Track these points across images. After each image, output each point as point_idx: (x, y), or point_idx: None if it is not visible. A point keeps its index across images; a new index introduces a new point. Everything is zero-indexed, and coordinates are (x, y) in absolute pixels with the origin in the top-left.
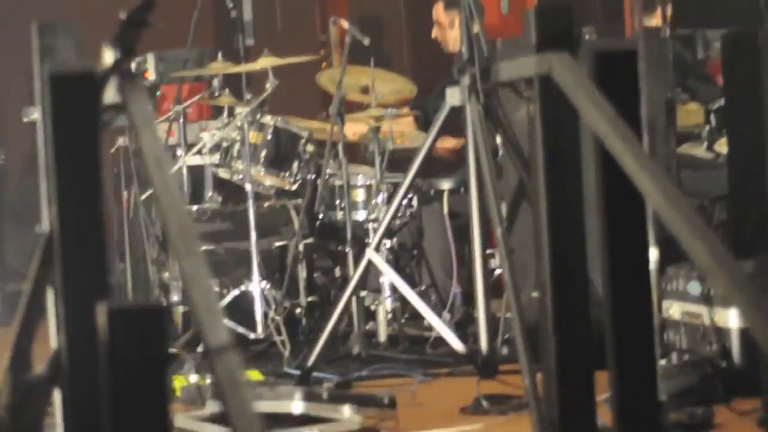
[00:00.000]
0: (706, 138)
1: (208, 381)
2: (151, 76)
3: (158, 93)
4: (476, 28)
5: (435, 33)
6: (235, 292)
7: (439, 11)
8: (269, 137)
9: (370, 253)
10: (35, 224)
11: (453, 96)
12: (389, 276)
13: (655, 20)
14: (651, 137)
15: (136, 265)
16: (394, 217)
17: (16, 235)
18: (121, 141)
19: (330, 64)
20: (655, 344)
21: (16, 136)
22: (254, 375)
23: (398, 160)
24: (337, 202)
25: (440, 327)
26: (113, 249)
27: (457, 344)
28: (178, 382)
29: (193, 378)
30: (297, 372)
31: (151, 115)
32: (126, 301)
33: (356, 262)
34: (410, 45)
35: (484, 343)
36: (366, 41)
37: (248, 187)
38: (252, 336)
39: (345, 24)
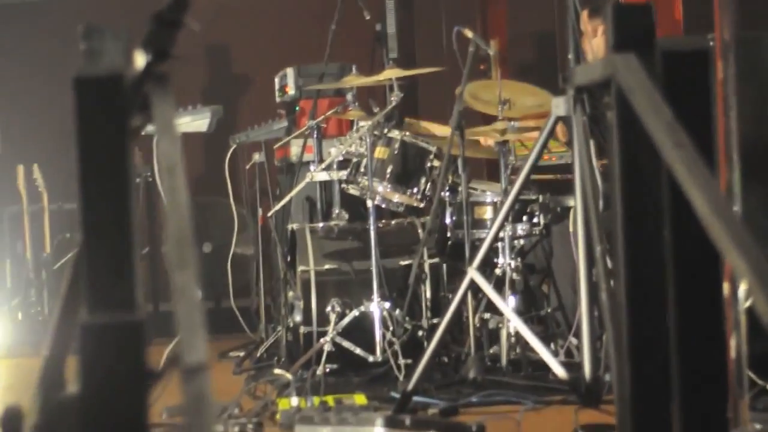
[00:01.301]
0: None
1: (309, 404)
2: (290, 90)
3: (297, 108)
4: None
5: (583, 43)
6: (355, 313)
7: (584, 19)
8: (396, 152)
9: (471, 273)
10: (202, 244)
11: (558, 106)
12: (491, 296)
13: None
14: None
15: (268, 283)
16: (496, 235)
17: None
18: (257, 157)
19: (489, 77)
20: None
21: None
22: (359, 399)
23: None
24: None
25: (543, 352)
26: (251, 265)
27: (560, 371)
28: (281, 405)
29: (294, 401)
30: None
31: (174, 121)
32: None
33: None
34: (563, 59)
35: (587, 370)
36: (491, 51)
37: (369, 203)
38: (371, 359)
39: (469, 33)
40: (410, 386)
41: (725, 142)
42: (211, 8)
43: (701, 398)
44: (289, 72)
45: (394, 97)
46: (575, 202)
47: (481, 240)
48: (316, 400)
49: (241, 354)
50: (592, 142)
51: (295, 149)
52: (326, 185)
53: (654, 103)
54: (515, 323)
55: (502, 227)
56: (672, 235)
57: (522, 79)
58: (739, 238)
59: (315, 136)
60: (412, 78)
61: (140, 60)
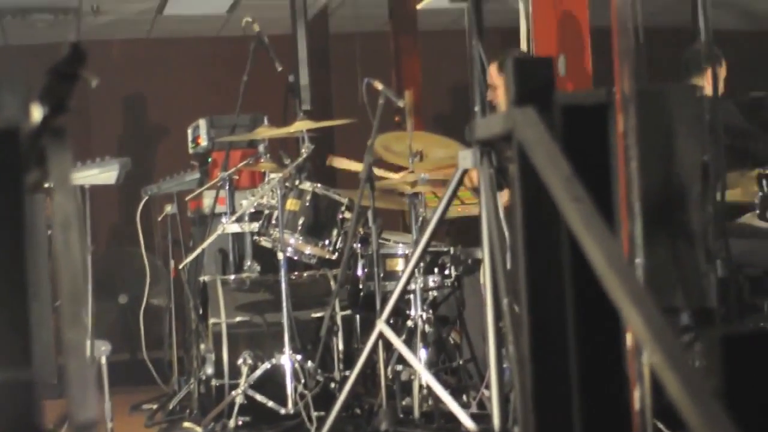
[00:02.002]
0: (759, 205)
1: None
2: (203, 142)
3: (210, 159)
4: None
5: (489, 95)
6: (267, 365)
7: (492, 73)
8: (307, 204)
9: (380, 325)
10: (118, 294)
11: (465, 158)
12: (400, 349)
13: (703, 80)
14: (683, 202)
15: (181, 334)
16: (405, 287)
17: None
18: (169, 208)
19: (403, 129)
20: None
21: None
22: None
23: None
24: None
25: (453, 405)
26: (164, 317)
27: (469, 423)
28: None
29: None
30: None
31: (70, 176)
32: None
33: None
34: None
35: (497, 422)
36: (401, 103)
37: (280, 255)
38: (283, 411)
39: (379, 85)
40: None
41: (627, 194)
42: (125, 60)
43: None
44: (202, 123)
45: (305, 149)
46: (483, 252)
47: (393, 292)
48: None
49: (154, 406)
50: (498, 194)
51: (207, 201)
52: (238, 237)
53: (552, 157)
54: (425, 376)
55: (411, 279)
56: (573, 289)
57: (437, 130)
58: (633, 293)
59: (227, 187)
60: (327, 129)
61: (37, 113)
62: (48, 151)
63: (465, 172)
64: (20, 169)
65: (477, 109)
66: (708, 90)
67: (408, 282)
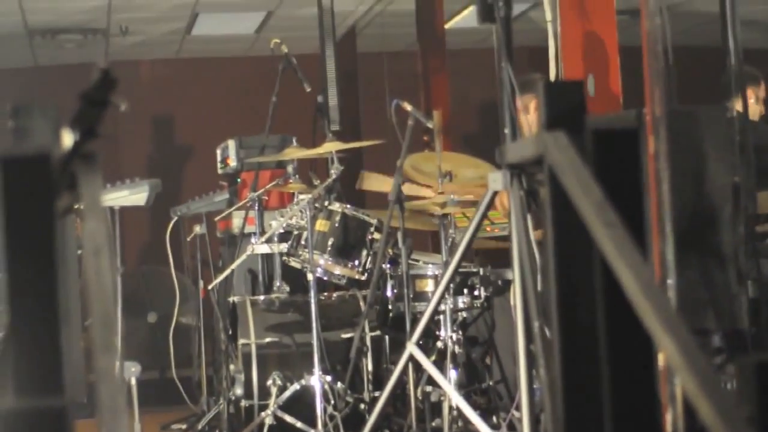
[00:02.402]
0: None
1: None
2: (232, 162)
3: (239, 180)
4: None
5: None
6: (296, 386)
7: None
8: (337, 225)
9: (410, 347)
10: (148, 313)
11: (495, 181)
12: (430, 371)
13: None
14: (715, 223)
15: (210, 354)
16: (436, 308)
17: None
18: (198, 229)
19: (432, 148)
20: None
21: None
22: None
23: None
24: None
25: (481, 426)
26: (193, 336)
27: None
28: None
29: None
30: None
31: (101, 202)
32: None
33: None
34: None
35: None
36: (430, 124)
37: (310, 276)
38: None
39: (408, 106)
40: None
41: (658, 215)
42: (153, 80)
43: None
44: (231, 144)
45: (334, 170)
46: (513, 276)
47: (422, 313)
48: None
49: (183, 427)
50: (529, 216)
51: (237, 221)
52: (268, 258)
53: (583, 182)
54: (454, 398)
55: (441, 300)
56: (604, 312)
57: (466, 150)
58: (666, 319)
59: (256, 208)
60: (356, 149)
61: (68, 139)
62: (79, 176)
63: (495, 194)
64: (52, 194)
65: (507, 131)
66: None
67: (438, 304)
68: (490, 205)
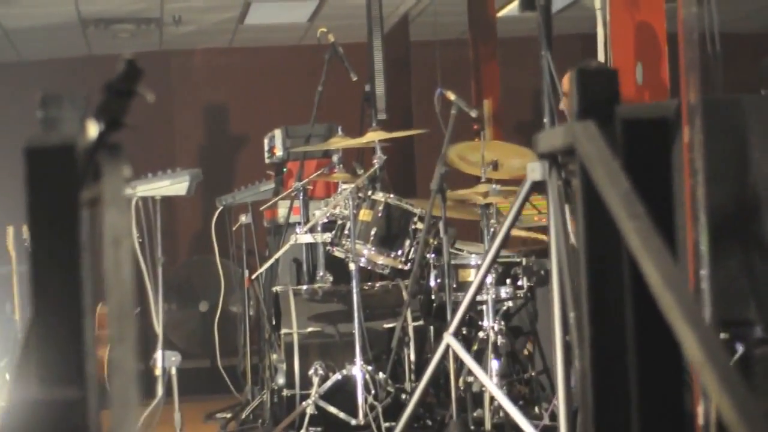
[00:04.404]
0: None
1: None
2: (278, 152)
3: (285, 169)
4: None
5: (562, 104)
6: (338, 376)
7: (565, 82)
8: (380, 215)
9: (447, 338)
10: (199, 302)
11: (534, 170)
12: (467, 362)
13: None
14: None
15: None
16: (473, 299)
17: (176, 314)
18: (244, 218)
19: (483, 138)
20: None
21: None
22: None
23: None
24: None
25: (518, 417)
26: (239, 326)
27: None
28: None
29: None
30: None
31: (122, 193)
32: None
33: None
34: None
35: None
36: (473, 113)
37: (352, 266)
38: (353, 422)
39: (451, 95)
40: None
41: (692, 205)
42: (206, 69)
43: None
44: (277, 133)
45: (377, 160)
46: (551, 267)
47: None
48: None
49: (227, 415)
50: (567, 207)
51: (282, 210)
52: (312, 247)
53: (611, 173)
54: (491, 388)
55: (479, 290)
56: (633, 304)
57: (516, 138)
58: (687, 313)
59: (301, 197)
60: (407, 138)
61: (92, 130)
62: (102, 167)
63: (533, 184)
64: (76, 185)
65: (546, 120)
66: None
67: (476, 293)
68: (529, 194)
